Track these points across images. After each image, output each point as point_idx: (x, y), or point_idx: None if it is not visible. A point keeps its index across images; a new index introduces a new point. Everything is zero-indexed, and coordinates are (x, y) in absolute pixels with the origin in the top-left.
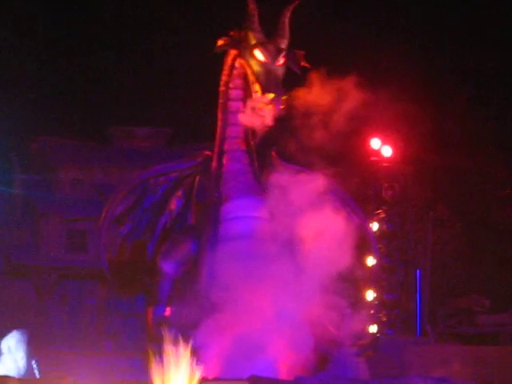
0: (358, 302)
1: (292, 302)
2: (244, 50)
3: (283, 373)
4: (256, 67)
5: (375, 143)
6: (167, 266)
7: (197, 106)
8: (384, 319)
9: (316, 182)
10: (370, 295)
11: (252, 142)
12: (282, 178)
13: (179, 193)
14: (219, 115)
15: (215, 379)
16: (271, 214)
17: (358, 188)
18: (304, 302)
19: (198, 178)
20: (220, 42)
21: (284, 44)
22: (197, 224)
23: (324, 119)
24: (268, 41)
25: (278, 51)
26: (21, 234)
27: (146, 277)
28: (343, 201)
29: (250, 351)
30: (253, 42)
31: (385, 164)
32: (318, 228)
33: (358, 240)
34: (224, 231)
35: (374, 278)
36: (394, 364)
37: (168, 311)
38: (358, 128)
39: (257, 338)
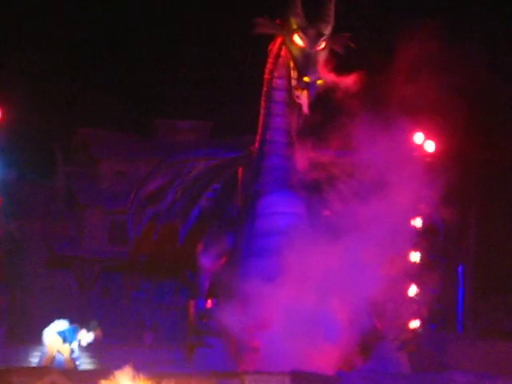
0: (400, 296)
1: (330, 297)
2: (285, 35)
3: (324, 367)
4: (295, 52)
5: (418, 138)
6: (206, 260)
7: (240, 99)
8: (426, 314)
9: (361, 168)
10: (413, 290)
11: (294, 133)
12: (322, 169)
13: (218, 182)
14: (262, 104)
15: (256, 372)
16: (309, 208)
17: (400, 183)
18: (344, 296)
19: (240, 170)
20: (260, 21)
21: (326, 29)
22: (235, 217)
23: (366, 112)
24: (309, 25)
25: (319, 36)
26: (64, 226)
27: (173, 262)
28: (389, 191)
29: (289, 345)
30: (293, 26)
31: (428, 159)
32: (362, 220)
33: (401, 234)
34: (260, 226)
35: (417, 273)
36: (436, 359)
37: (209, 304)
38: (401, 122)
39: (295, 333)
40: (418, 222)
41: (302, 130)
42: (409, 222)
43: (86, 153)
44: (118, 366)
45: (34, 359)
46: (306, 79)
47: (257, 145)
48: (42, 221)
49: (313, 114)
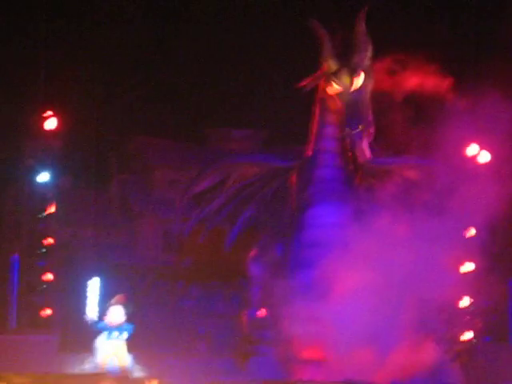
0: (453, 307)
1: (381, 309)
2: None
3: (377, 377)
4: (333, 100)
5: (473, 149)
6: (256, 269)
7: (293, 108)
8: (480, 325)
9: (415, 177)
10: (467, 301)
11: (347, 143)
12: (375, 178)
13: (269, 190)
14: (316, 111)
15: (310, 381)
16: (358, 220)
17: (455, 193)
18: (396, 308)
19: (293, 180)
20: (304, 83)
21: (360, 59)
22: (285, 227)
23: (420, 122)
24: (342, 64)
25: (353, 72)
26: (117, 234)
27: (223, 268)
28: (441, 202)
29: (341, 356)
30: (328, 71)
31: (482, 169)
32: (414, 230)
33: (454, 244)
34: (308, 237)
35: (470, 284)
36: (490, 371)
37: (262, 313)
38: (455, 133)
39: (345, 344)
40: (471, 232)
41: (356, 138)
42: (462, 233)
43: (141, 161)
44: (171, 375)
45: (87, 367)
46: (348, 131)
47: (308, 154)
48: (96, 228)
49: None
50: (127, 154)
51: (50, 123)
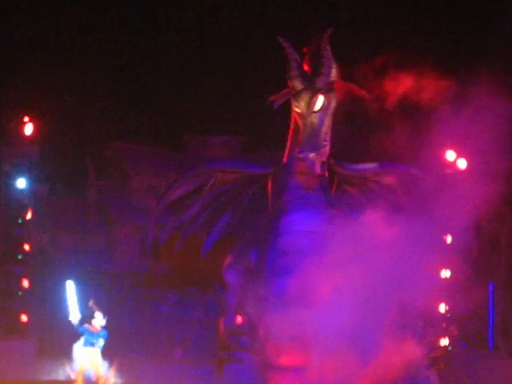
0: (429, 314)
1: (357, 316)
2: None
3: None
4: (297, 118)
5: (450, 155)
6: (231, 276)
7: (271, 114)
8: (456, 332)
9: (392, 184)
10: (443, 308)
11: (326, 150)
12: (351, 186)
13: (245, 197)
14: (293, 119)
15: None
16: (334, 227)
17: (432, 199)
18: (372, 314)
19: (269, 186)
20: (272, 98)
21: (322, 83)
22: (259, 233)
23: (398, 126)
24: (305, 85)
25: (314, 95)
26: (94, 240)
27: (199, 275)
28: (421, 205)
29: (316, 365)
30: (292, 90)
31: (460, 177)
32: (391, 236)
33: (432, 251)
34: (282, 244)
35: (447, 291)
36: (466, 378)
37: (239, 320)
38: (433, 139)
39: (320, 352)
40: (449, 239)
41: (333, 145)
42: (440, 239)
43: (118, 167)
44: (148, 381)
45: (64, 374)
46: (303, 156)
47: (284, 161)
48: (73, 234)
49: (345, 130)
50: (104, 161)
51: (27, 129)
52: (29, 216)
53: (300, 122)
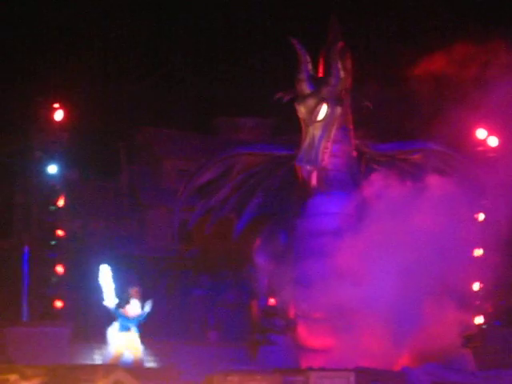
0: (464, 293)
1: (388, 296)
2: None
3: (389, 363)
4: (301, 122)
5: (481, 133)
6: (261, 258)
7: None
8: (490, 310)
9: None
10: (477, 286)
11: (353, 134)
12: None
13: (274, 179)
14: None
15: (321, 369)
16: (361, 209)
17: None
18: (404, 294)
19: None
20: (279, 95)
21: (328, 91)
22: (288, 215)
23: (429, 105)
24: (311, 91)
25: (318, 103)
26: (127, 225)
27: (231, 258)
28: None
29: (351, 343)
30: (299, 92)
31: (491, 154)
32: (421, 215)
33: (464, 229)
34: (310, 226)
35: (480, 269)
36: (501, 355)
37: (271, 302)
38: (464, 117)
39: (355, 331)
40: (481, 217)
41: (360, 126)
42: (472, 217)
43: (150, 152)
44: (182, 364)
45: (99, 358)
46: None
47: None
48: (106, 220)
49: (373, 111)
50: (136, 145)
51: (57, 115)
52: (61, 202)
53: (303, 129)
